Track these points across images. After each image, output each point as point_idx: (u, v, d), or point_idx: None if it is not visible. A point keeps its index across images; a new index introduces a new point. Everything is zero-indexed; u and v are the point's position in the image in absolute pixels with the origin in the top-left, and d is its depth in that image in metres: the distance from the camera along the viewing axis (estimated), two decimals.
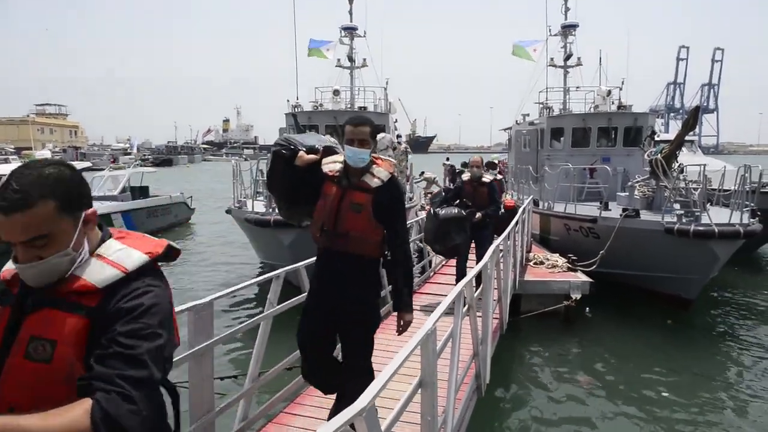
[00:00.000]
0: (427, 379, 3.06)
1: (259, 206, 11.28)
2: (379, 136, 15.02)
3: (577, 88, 17.98)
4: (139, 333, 1.49)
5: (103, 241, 1.67)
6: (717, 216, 10.22)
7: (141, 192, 21.65)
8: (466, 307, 4.62)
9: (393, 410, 2.72)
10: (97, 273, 1.57)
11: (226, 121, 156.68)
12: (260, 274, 13.89)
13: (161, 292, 1.61)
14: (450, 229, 7.55)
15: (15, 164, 26.68)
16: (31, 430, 1.33)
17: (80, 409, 1.37)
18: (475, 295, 5.06)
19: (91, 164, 28.24)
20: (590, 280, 10.54)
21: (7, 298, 1.64)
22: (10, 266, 1.68)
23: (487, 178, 8.64)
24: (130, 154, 51.42)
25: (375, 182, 3.53)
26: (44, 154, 38.60)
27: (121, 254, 1.62)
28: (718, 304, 12.07)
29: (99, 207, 10.69)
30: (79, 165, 23.85)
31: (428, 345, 2.99)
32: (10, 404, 1.50)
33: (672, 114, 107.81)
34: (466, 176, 8.76)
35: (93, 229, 1.66)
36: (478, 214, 8.16)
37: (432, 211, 7.90)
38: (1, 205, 1.48)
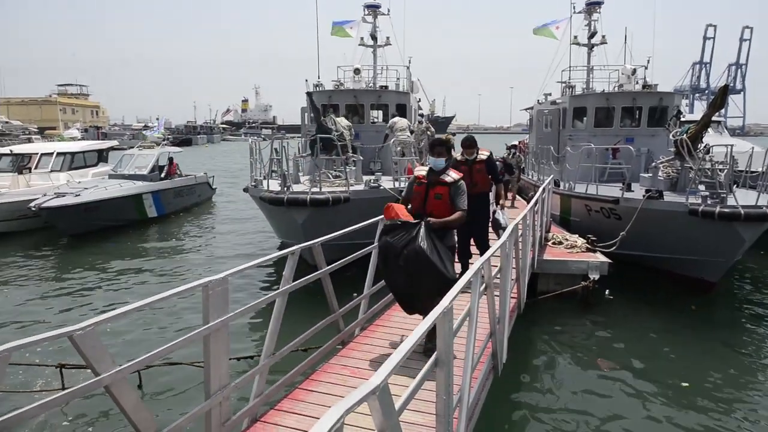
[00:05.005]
0: (443, 357, 3.00)
1: (274, 185, 11.27)
2: (395, 119, 14.93)
3: (603, 67, 17.57)
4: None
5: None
6: (744, 198, 9.97)
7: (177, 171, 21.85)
8: (484, 285, 4.55)
9: (408, 387, 2.67)
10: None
11: (245, 101, 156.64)
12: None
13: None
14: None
15: (39, 144, 27.01)
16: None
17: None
18: (494, 273, 4.98)
19: (117, 143, 28.46)
20: (609, 260, 10.38)
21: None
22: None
23: None
24: (148, 128, 51.52)
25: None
26: (73, 133, 38.95)
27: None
28: (742, 287, 11.83)
29: (131, 187, 10.79)
30: (106, 144, 24.05)
31: (445, 323, 2.93)
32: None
33: (697, 94, 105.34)
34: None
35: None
36: None
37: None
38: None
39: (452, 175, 5.48)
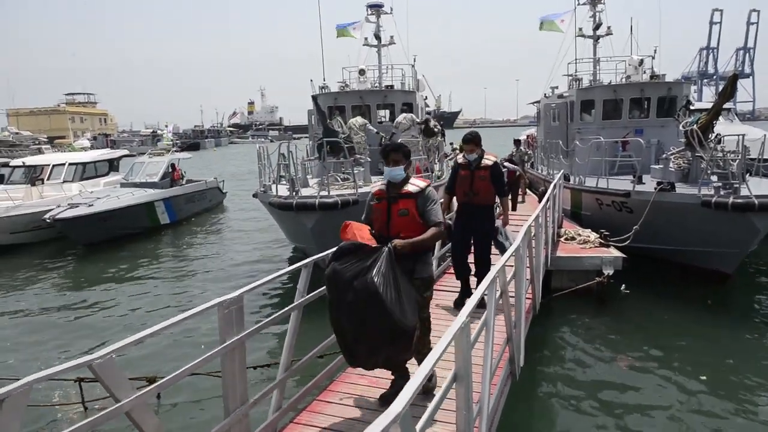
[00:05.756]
0: (462, 372, 2.98)
1: (282, 190, 11.29)
2: (399, 117, 14.88)
3: (610, 58, 17.40)
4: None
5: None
6: (757, 187, 9.86)
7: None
8: (499, 292, 4.52)
9: (430, 405, 2.66)
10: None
11: (251, 103, 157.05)
12: (292, 258, 13.99)
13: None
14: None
15: (50, 155, 27.18)
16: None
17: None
18: (508, 278, 4.95)
19: (127, 152, 28.55)
20: (623, 255, 10.30)
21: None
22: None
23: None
24: (160, 139, 51.54)
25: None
26: (83, 143, 39.21)
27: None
28: (757, 278, 11.71)
29: (143, 195, 10.86)
30: (117, 153, 24.16)
31: (462, 339, 2.90)
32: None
33: (705, 80, 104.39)
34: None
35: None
36: None
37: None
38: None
39: (417, 184, 4.49)
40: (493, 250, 7.52)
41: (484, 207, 7.13)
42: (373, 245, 4.06)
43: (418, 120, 14.81)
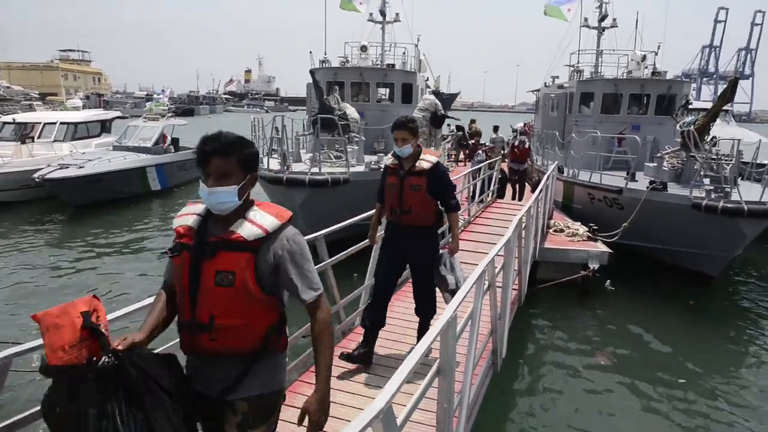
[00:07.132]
0: (445, 366, 2.99)
1: (274, 164, 11.24)
2: (427, 95, 14.78)
3: (612, 51, 17.29)
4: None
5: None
6: (747, 192, 9.91)
7: (172, 144, 21.35)
8: (486, 284, 4.53)
9: (412, 396, 2.67)
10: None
11: (248, 71, 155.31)
12: None
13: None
14: None
15: (42, 113, 26.79)
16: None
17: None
18: (496, 271, 4.95)
19: (120, 113, 27.97)
20: (609, 250, 10.37)
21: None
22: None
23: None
24: (151, 99, 50.77)
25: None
26: (75, 102, 38.68)
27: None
28: (741, 281, 11.85)
29: (134, 160, 10.37)
30: (109, 114, 23.78)
31: (448, 333, 2.91)
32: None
33: (705, 78, 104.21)
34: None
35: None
36: None
37: None
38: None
39: (256, 225, 2.24)
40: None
41: (421, 230, 4.90)
42: (92, 358, 1.96)
43: (441, 110, 14.58)
